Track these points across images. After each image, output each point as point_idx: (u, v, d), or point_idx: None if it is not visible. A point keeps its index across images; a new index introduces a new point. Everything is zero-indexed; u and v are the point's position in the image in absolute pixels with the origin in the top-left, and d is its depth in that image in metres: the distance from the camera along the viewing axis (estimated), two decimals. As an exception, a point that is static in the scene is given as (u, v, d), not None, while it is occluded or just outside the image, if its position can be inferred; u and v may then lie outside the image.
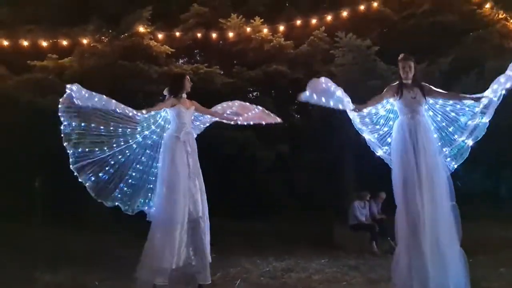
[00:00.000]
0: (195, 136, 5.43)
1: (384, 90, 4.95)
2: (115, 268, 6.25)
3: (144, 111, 4.99)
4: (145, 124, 5.31)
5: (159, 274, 4.85)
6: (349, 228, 8.56)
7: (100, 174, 4.97)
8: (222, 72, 10.25)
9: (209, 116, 5.65)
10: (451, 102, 5.03)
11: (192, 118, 5.44)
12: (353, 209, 8.55)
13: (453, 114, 5.02)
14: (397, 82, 4.92)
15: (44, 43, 10.04)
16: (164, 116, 5.44)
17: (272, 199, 11.39)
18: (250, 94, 11.96)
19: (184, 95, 5.35)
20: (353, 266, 6.49)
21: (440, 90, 4.97)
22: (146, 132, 5.36)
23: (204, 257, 5.11)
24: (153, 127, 5.42)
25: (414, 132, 4.65)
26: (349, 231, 8.53)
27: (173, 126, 5.25)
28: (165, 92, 5.39)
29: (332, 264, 6.64)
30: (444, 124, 5.04)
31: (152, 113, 5.19)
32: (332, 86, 4.70)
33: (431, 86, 4.92)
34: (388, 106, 5.12)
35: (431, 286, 4.39)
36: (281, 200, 11.55)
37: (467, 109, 4.98)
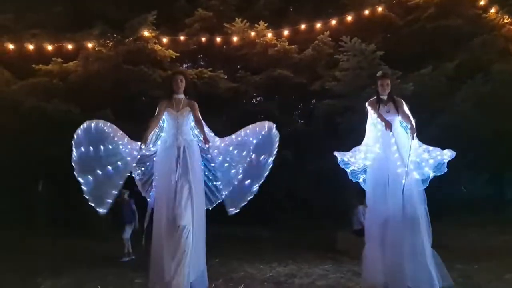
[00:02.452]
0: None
1: (369, 107, 5.27)
2: (117, 273, 6.24)
3: (142, 145, 4.75)
4: (154, 138, 5.08)
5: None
6: (353, 233, 8.50)
7: None
8: (226, 77, 10.27)
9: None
10: None
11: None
12: (358, 214, 8.48)
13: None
14: (375, 97, 5.31)
15: (49, 47, 10.10)
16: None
17: (275, 204, 11.34)
18: (254, 99, 11.96)
19: (179, 96, 5.05)
20: (357, 272, 6.41)
21: (407, 111, 5.18)
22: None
23: (182, 273, 4.63)
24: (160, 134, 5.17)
25: (384, 141, 5.06)
26: (352, 236, 8.46)
27: (165, 129, 5.05)
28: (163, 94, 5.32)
29: (336, 270, 6.58)
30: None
31: (153, 137, 5.01)
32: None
33: (403, 103, 5.21)
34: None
35: (405, 280, 4.70)
36: (284, 205, 11.49)
37: None
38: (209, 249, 7.63)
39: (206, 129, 5.06)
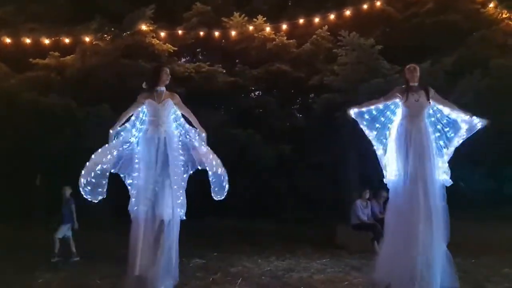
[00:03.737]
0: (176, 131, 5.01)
1: (392, 91, 5.06)
2: (116, 265, 6.23)
3: (111, 130, 4.81)
4: (133, 130, 4.99)
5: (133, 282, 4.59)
6: (351, 228, 8.52)
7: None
8: (224, 71, 10.25)
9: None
10: (446, 114, 5.12)
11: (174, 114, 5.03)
12: (355, 209, 8.50)
13: (446, 129, 5.13)
14: (404, 86, 5.03)
15: (47, 41, 10.05)
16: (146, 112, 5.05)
17: (274, 198, 11.35)
18: (252, 93, 11.95)
19: (161, 89, 4.96)
20: (355, 266, 6.44)
21: (442, 98, 5.07)
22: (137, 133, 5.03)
23: (158, 271, 4.56)
24: (140, 126, 5.04)
25: (410, 134, 4.83)
26: (351, 230, 8.48)
27: (146, 121, 4.95)
28: (144, 85, 5.06)
29: (334, 264, 6.60)
30: (438, 134, 5.13)
31: (124, 122, 4.92)
32: None
33: (435, 92, 5.01)
34: (392, 106, 5.21)
35: (418, 279, 4.57)
36: (283, 199, 11.51)
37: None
38: (208, 242, 7.65)
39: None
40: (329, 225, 8.90)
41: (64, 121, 9.50)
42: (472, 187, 11.38)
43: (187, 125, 5.07)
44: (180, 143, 4.98)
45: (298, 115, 12.22)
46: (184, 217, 4.86)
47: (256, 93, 11.96)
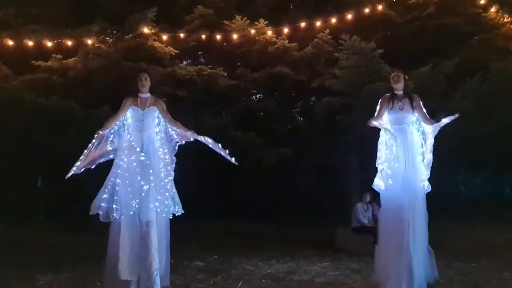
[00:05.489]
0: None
1: (379, 102, 5.11)
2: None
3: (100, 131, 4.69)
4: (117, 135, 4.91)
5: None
6: (351, 231, 8.53)
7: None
8: (226, 74, 10.27)
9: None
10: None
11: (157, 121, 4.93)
12: (356, 212, 8.51)
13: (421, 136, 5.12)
14: (389, 93, 5.12)
15: (49, 44, 10.08)
16: None
17: (275, 201, 11.37)
18: (254, 96, 11.98)
19: (145, 95, 4.86)
20: (355, 269, 6.44)
21: (424, 110, 5.04)
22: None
23: (149, 275, 4.54)
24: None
25: (399, 140, 4.93)
26: (351, 234, 8.49)
27: (129, 127, 4.86)
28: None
29: (334, 267, 6.60)
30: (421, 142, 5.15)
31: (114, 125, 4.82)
32: None
33: (420, 101, 5.07)
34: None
35: (415, 281, 4.65)
36: (283, 202, 11.53)
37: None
38: (208, 245, 7.66)
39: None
40: (330, 228, 8.91)
41: (65, 123, 9.53)
42: (472, 191, 11.40)
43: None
44: (161, 142, 4.89)
45: (299, 118, 12.26)
46: (182, 211, 4.84)
47: (258, 96, 12.01)
